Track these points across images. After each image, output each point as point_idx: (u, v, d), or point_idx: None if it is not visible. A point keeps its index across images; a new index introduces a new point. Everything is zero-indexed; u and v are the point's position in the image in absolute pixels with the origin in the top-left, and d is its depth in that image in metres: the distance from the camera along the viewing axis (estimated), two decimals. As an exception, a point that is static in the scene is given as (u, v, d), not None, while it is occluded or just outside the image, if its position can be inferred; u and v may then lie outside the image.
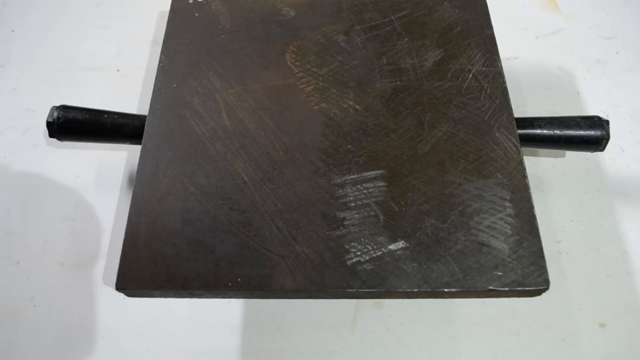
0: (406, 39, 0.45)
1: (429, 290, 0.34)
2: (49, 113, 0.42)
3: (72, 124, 0.42)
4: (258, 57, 0.45)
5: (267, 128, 0.41)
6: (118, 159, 0.49)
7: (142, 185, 0.39)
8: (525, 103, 0.52)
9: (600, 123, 0.42)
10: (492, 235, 0.35)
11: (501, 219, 0.36)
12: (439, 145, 0.39)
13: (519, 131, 0.41)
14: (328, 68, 0.44)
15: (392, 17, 0.46)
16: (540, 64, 0.54)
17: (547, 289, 0.34)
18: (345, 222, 0.36)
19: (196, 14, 0.48)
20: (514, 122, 0.40)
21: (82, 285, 0.43)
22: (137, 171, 0.39)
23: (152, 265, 0.35)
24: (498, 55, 0.43)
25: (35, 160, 0.50)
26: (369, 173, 0.38)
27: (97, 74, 0.55)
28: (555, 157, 0.48)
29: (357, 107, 0.41)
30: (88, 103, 0.45)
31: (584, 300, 0.41)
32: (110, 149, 0.50)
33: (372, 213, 0.37)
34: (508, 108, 0.41)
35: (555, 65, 0.54)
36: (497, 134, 0.40)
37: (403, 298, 0.37)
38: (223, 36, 0.46)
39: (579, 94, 0.52)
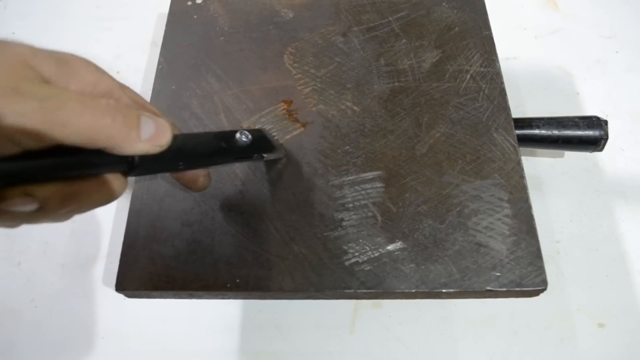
0: (404, 40, 0.45)
1: (427, 290, 0.34)
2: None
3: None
4: (256, 59, 0.45)
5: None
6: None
7: (141, 187, 0.39)
8: (524, 103, 0.51)
9: (598, 123, 0.42)
10: (490, 236, 0.35)
11: (499, 219, 0.36)
12: (437, 146, 0.39)
13: (518, 131, 0.41)
14: (326, 69, 0.44)
15: (390, 18, 0.46)
16: (540, 64, 0.54)
17: (545, 289, 0.34)
18: (343, 223, 0.36)
19: (194, 16, 0.48)
20: (512, 123, 0.40)
21: (82, 286, 0.43)
22: (136, 173, 0.40)
23: (151, 266, 0.36)
24: (496, 56, 0.43)
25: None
26: (366, 174, 0.38)
27: (97, 76, 0.55)
28: (554, 157, 0.48)
29: (355, 108, 0.42)
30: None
31: (583, 300, 0.41)
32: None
33: (370, 214, 0.37)
34: (506, 108, 0.41)
35: (555, 65, 0.54)
36: (495, 135, 0.40)
37: (401, 299, 0.37)
38: (221, 38, 0.46)
39: (578, 93, 0.52)
